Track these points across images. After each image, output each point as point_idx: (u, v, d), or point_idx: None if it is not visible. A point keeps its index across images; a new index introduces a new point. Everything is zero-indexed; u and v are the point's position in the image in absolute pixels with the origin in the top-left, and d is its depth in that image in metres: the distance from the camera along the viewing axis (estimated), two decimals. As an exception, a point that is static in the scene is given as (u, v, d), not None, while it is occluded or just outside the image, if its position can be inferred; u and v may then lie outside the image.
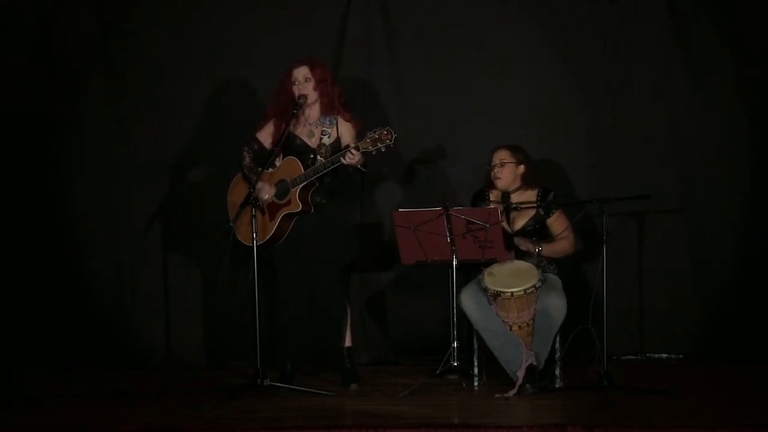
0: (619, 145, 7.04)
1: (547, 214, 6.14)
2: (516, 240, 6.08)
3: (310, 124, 6.13)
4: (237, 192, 6.11)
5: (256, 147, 6.18)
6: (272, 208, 6.04)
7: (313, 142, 6.09)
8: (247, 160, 6.13)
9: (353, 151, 5.77)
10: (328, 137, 6.07)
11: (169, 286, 7.13)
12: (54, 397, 5.85)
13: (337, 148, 6.00)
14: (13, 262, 7.12)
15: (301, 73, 6.07)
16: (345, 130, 6.08)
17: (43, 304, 7.11)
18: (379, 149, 5.74)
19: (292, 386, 5.89)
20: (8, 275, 7.11)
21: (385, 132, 5.73)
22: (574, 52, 7.04)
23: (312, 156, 6.04)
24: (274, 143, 6.06)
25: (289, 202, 6.00)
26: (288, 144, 6.07)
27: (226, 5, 7.17)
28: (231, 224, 5.81)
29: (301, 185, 5.95)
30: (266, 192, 6.02)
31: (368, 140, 5.75)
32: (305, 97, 6.04)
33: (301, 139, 6.11)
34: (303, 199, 5.97)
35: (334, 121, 6.09)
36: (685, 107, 7.01)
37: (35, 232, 7.15)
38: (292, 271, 6.08)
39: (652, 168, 6.98)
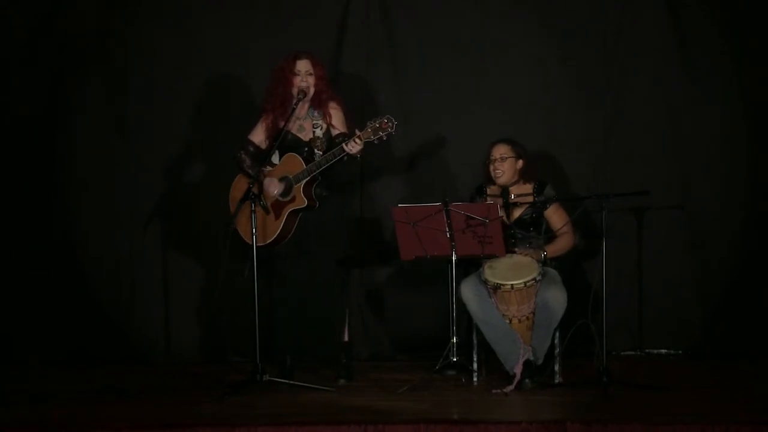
0: (619, 142, 7.03)
1: (544, 207, 6.15)
2: (521, 252, 6.07)
3: (300, 119, 6.12)
4: (239, 188, 6.06)
5: (251, 149, 6.17)
6: (277, 207, 6.02)
7: (304, 136, 6.08)
8: (248, 161, 6.13)
9: (356, 140, 5.77)
10: (320, 129, 6.07)
11: (168, 283, 7.12)
12: (53, 393, 5.84)
13: (330, 137, 6.01)
14: (13, 260, 7.12)
15: (305, 66, 6.08)
16: (334, 114, 6.07)
17: (43, 301, 7.10)
18: (381, 138, 5.74)
19: (291, 382, 5.88)
20: (8, 273, 7.12)
21: (386, 120, 5.73)
22: (574, 50, 7.04)
23: (307, 149, 6.04)
24: (271, 139, 6.06)
25: (293, 199, 5.98)
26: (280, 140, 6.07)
27: (225, 5, 7.17)
28: (232, 223, 5.83)
29: (305, 180, 5.95)
30: (275, 187, 5.99)
31: (369, 129, 5.75)
32: (304, 93, 6.04)
33: (292, 134, 6.10)
34: (308, 194, 5.97)
35: (323, 112, 6.09)
36: (685, 106, 7.01)
37: (35, 230, 7.14)
38: (292, 266, 6.08)
39: (652, 166, 6.97)
